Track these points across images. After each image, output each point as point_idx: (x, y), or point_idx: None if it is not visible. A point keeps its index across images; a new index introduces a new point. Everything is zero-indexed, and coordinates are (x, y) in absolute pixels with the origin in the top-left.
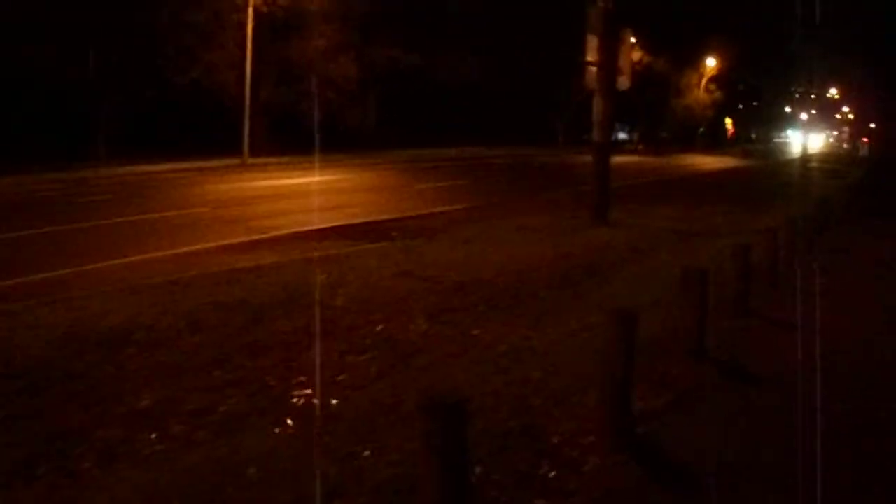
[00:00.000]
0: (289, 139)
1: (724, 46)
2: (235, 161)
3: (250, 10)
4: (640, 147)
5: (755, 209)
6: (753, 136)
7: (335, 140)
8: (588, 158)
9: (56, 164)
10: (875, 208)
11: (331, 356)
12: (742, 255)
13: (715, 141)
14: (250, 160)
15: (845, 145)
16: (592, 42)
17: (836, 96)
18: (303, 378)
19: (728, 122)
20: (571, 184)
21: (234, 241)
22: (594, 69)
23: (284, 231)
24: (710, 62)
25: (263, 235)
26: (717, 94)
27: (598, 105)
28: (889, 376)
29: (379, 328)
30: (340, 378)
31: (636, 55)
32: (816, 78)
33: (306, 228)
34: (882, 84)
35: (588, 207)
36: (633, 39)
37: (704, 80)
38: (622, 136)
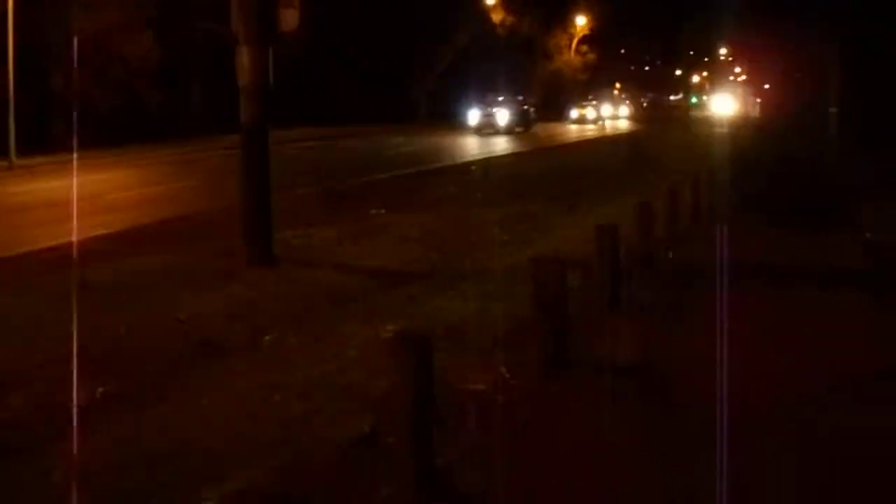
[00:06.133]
0: (95, 131)
1: (596, 3)
2: (2, 164)
3: None
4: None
5: (572, 204)
6: (644, 102)
7: (147, 128)
8: (438, 139)
9: None
10: (753, 198)
11: None
12: None
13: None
14: (21, 161)
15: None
16: None
17: (730, 57)
18: None
19: (616, 87)
20: (356, 175)
21: None
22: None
23: None
24: (580, 21)
25: None
26: (591, 57)
27: (244, 61)
28: None
29: None
30: None
31: (497, 15)
32: (705, 37)
33: None
34: (775, 41)
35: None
36: None
37: (575, 41)
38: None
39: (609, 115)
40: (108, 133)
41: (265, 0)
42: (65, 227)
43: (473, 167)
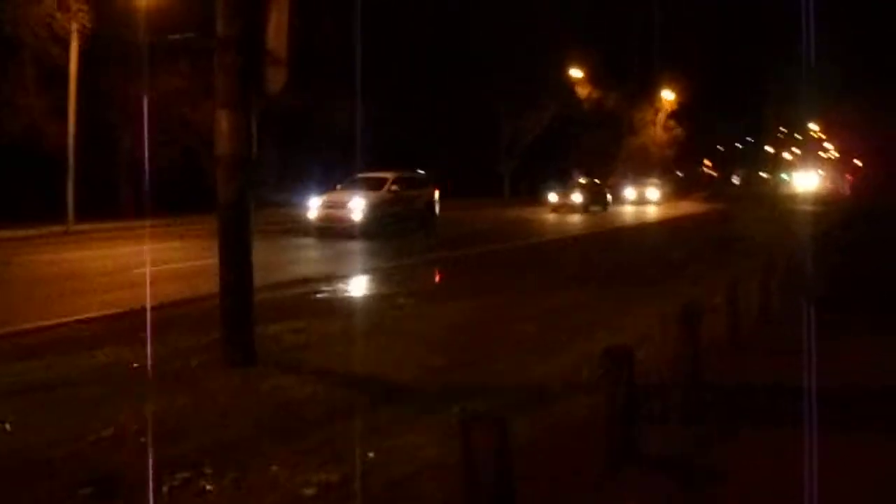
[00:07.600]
0: (159, 198)
1: (684, 79)
2: (60, 228)
3: (74, 43)
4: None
5: (629, 294)
6: (736, 179)
7: (211, 196)
8: (517, 214)
9: None
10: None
11: None
12: None
13: (676, 185)
14: (76, 227)
15: (829, 184)
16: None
17: (821, 134)
18: None
19: (706, 163)
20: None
21: None
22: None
23: None
24: (668, 96)
25: None
26: (678, 132)
27: (223, 124)
28: None
29: None
30: None
31: (584, 90)
32: (796, 114)
33: None
34: (870, 117)
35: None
36: None
37: (662, 117)
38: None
39: (633, 199)
40: (172, 200)
41: (250, 57)
42: (60, 305)
43: None
